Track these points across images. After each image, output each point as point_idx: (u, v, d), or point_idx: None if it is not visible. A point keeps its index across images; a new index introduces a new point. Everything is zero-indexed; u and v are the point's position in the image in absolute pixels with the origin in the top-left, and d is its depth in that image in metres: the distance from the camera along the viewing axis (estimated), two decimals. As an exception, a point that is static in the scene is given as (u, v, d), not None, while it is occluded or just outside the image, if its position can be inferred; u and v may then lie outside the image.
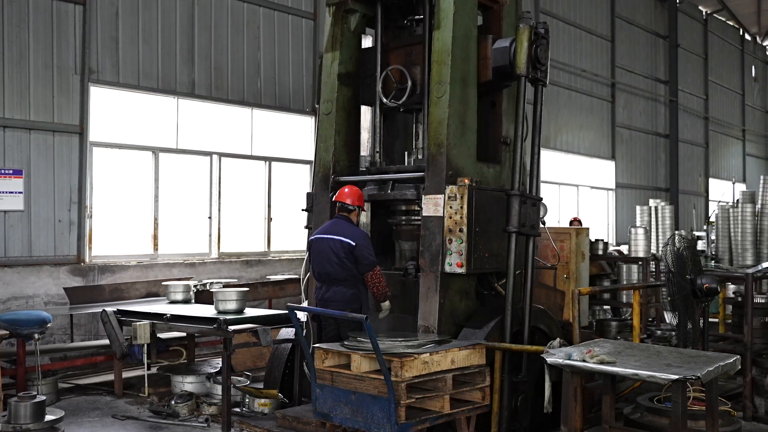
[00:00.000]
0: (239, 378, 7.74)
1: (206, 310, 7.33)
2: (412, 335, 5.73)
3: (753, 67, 30.21)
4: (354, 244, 6.19)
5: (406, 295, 6.53)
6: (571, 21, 18.70)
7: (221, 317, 6.67)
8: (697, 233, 17.04)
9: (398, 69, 6.86)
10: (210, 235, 11.15)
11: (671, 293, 6.73)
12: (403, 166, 7.06)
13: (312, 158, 11.91)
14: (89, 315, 9.13)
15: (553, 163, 17.80)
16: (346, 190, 6.48)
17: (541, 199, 6.59)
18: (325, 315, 6.25)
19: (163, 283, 8.57)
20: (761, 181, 14.84)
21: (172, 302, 8.12)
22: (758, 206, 14.49)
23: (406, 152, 7.28)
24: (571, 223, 13.66)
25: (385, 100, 6.90)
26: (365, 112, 7.50)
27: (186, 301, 8.16)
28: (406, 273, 6.58)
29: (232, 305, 7.06)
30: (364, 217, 6.86)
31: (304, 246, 7.66)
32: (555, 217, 17.50)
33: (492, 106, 6.85)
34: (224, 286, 9.52)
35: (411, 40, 7.01)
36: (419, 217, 6.44)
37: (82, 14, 9.57)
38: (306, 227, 7.47)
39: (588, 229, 10.28)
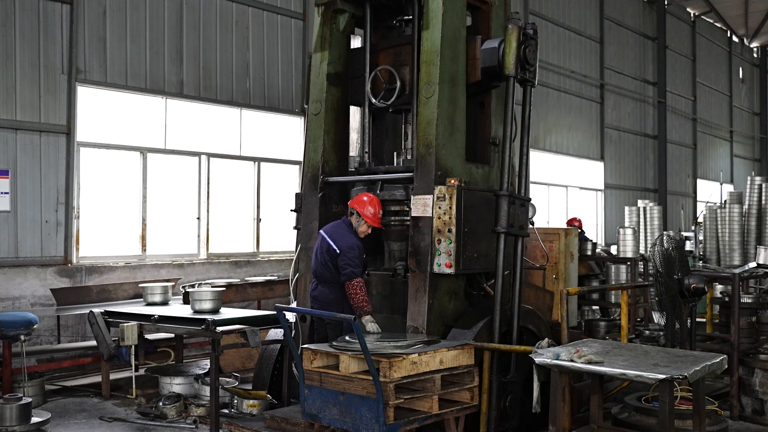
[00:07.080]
0: (227, 379, 7.70)
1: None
2: (400, 336, 5.74)
3: (740, 69, 30.42)
4: (339, 252, 6.19)
5: (396, 295, 6.52)
6: (560, 22, 18.76)
7: (204, 317, 6.61)
8: (685, 234, 17.14)
9: (387, 69, 6.85)
10: (198, 236, 11.10)
11: (659, 293, 6.76)
12: (392, 166, 7.04)
13: (301, 159, 11.91)
14: (76, 316, 9.08)
15: (542, 164, 17.85)
16: (365, 198, 6.39)
17: (530, 199, 6.60)
18: (315, 315, 6.23)
19: (140, 285, 8.40)
20: (748, 182, 14.93)
21: (150, 304, 7.83)
22: (745, 207, 14.58)
23: (395, 152, 7.26)
24: (570, 223, 13.60)
25: (374, 100, 6.88)
26: (354, 112, 7.48)
27: (164, 303, 7.87)
28: (395, 273, 6.56)
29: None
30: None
31: (293, 247, 7.67)
32: (544, 218, 17.55)
33: (481, 106, 6.85)
34: (213, 287, 9.49)
35: (400, 40, 7.00)
36: (408, 218, 6.42)
37: (69, 13, 9.51)
38: (295, 228, 7.46)
39: (576, 229, 10.29)
